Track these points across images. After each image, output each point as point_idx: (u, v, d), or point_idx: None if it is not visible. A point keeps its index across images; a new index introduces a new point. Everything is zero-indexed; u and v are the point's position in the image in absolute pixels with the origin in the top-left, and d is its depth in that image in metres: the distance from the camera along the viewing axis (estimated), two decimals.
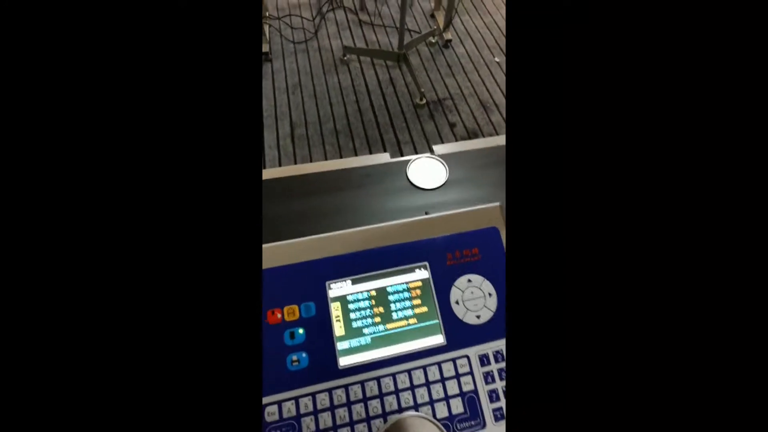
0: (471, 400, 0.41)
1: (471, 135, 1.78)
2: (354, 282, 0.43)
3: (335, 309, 0.42)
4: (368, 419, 0.39)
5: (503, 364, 0.42)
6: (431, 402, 0.40)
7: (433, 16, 2.35)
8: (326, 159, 1.72)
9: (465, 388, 0.41)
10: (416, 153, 1.74)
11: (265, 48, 2.07)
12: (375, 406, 0.40)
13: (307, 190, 0.71)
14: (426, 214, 0.62)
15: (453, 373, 0.42)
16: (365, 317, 0.42)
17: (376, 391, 0.40)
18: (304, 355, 0.40)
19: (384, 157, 0.85)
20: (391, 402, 0.40)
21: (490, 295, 0.44)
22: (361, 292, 0.43)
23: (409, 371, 0.41)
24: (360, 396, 0.40)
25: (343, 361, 0.41)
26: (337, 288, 0.43)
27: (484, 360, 0.42)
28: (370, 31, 2.26)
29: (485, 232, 0.46)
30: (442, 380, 0.41)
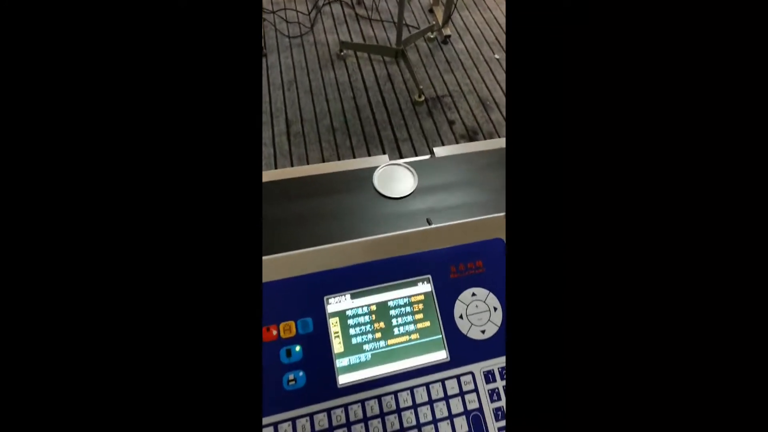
0: (476, 419, 0.39)
1: (470, 133, 1.76)
2: (353, 296, 0.41)
3: (334, 325, 0.40)
4: None
5: None
6: (434, 421, 0.39)
7: (432, 11, 2.32)
8: (323, 157, 1.69)
9: (470, 407, 0.40)
10: (414, 151, 1.72)
11: None
12: (376, 426, 0.38)
13: (305, 192, 0.69)
14: (428, 222, 0.60)
15: (457, 390, 0.40)
16: (365, 333, 0.41)
17: (377, 411, 0.39)
18: (301, 373, 0.38)
19: (383, 159, 0.83)
20: (392, 422, 0.38)
21: (495, 309, 0.43)
22: (361, 306, 0.41)
23: (411, 389, 0.40)
24: (360, 416, 0.38)
25: (343, 379, 0.39)
26: (336, 303, 0.41)
27: (489, 377, 0.41)
28: (368, 25, 2.23)
29: (490, 243, 0.44)
30: (446, 398, 0.40)
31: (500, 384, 0.41)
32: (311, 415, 0.38)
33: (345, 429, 0.38)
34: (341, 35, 2.16)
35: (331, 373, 0.39)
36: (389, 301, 0.42)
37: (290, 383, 0.38)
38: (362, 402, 0.38)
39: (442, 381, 0.40)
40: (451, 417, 0.39)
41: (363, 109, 1.85)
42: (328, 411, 0.38)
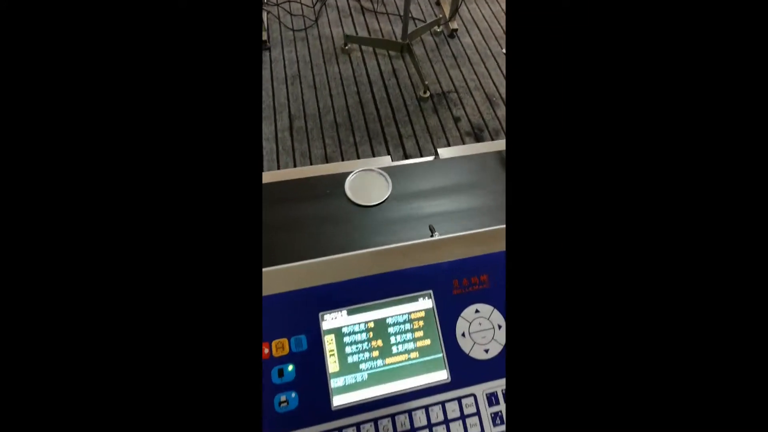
0: None
1: (476, 130, 1.72)
2: (350, 312, 0.39)
3: (329, 342, 0.38)
4: None
5: None
6: None
7: (438, 3, 2.27)
8: (325, 153, 1.67)
9: (471, 431, 0.38)
10: (419, 148, 1.69)
11: (263, 36, 2.00)
12: None
13: (304, 195, 0.67)
14: (431, 230, 0.58)
15: (458, 413, 0.38)
16: (362, 351, 0.39)
17: None
18: (293, 395, 0.36)
19: (386, 160, 0.80)
20: None
21: (499, 327, 0.40)
22: (358, 323, 0.39)
23: (409, 412, 0.37)
24: None
25: (337, 401, 0.37)
26: (332, 319, 0.39)
27: (492, 399, 0.38)
28: (373, 18, 2.18)
29: (495, 257, 0.42)
30: (446, 422, 0.38)
31: (504, 407, 0.38)
32: None
33: None
34: (346, 28, 2.12)
35: (325, 394, 0.37)
36: (388, 317, 0.40)
37: (282, 405, 0.36)
38: (357, 425, 0.36)
39: (443, 403, 0.38)
40: None
41: (367, 105, 1.82)
42: None
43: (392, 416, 0.37)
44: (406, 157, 1.65)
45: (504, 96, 1.84)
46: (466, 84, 1.89)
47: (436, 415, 0.38)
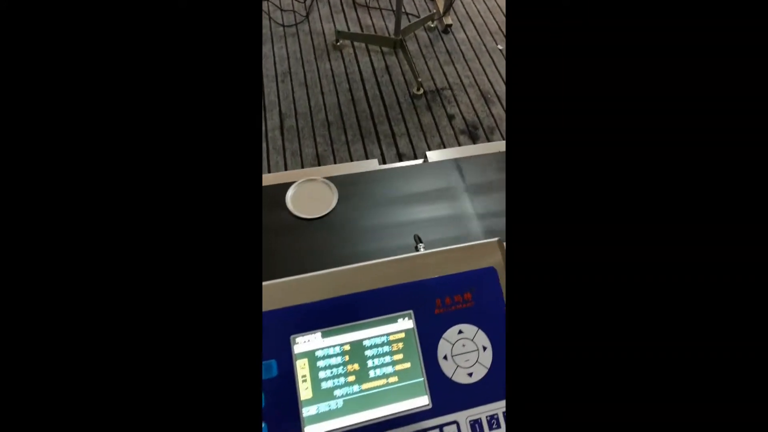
0: None
1: (470, 128, 1.69)
2: (324, 335, 0.37)
3: (301, 367, 0.36)
4: None
5: None
6: None
7: None
8: (317, 152, 1.64)
9: None
10: (412, 146, 1.66)
11: None
12: None
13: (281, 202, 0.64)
14: (415, 240, 0.55)
15: None
16: (337, 376, 0.36)
17: None
18: (262, 426, 0.34)
19: (372, 164, 0.78)
20: None
21: (484, 348, 0.38)
22: (333, 346, 0.37)
23: None
24: None
25: (310, 431, 0.35)
26: (304, 342, 0.36)
27: (476, 427, 0.36)
28: (365, 14, 2.14)
29: (480, 273, 0.40)
30: None
31: None
32: None
33: None
34: (338, 24, 2.08)
35: (296, 423, 0.34)
36: (365, 339, 0.37)
37: None
38: None
39: (424, 431, 0.36)
40: None
41: (359, 103, 1.78)
42: None
43: None
44: (399, 156, 1.62)
45: (498, 93, 1.81)
46: (461, 81, 1.86)
47: None
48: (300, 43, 2.00)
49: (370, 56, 1.95)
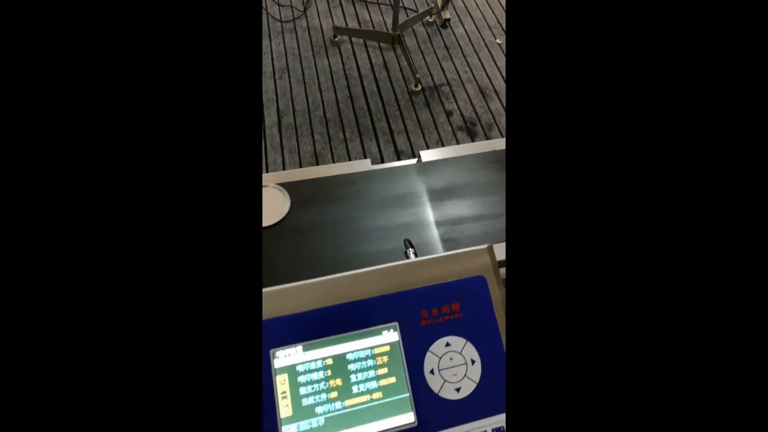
0: None
1: (468, 125, 1.67)
2: (306, 348, 0.35)
3: (281, 383, 0.34)
4: None
5: None
6: None
7: None
8: (315, 150, 1.62)
9: None
10: (410, 143, 1.64)
11: None
12: None
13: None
14: (405, 245, 0.53)
15: None
16: (319, 392, 0.35)
17: None
18: None
19: (365, 164, 0.76)
20: None
21: (473, 362, 0.36)
22: (315, 360, 0.35)
23: None
24: None
25: None
26: (285, 356, 0.35)
27: None
28: (363, 9, 2.11)
29: (469, 282, 0.38)
30: None
31: None
32: None
33: None
34: (336, 19, 2.05)
35: None
36: (348, 353, 0.36)
37: None
38: None
39: None
40: None
41: (357, 99, 1.76)
42: None
43: None
44: (397, 153, 1.60)
45: (497, 88, 1.78)
46: (459, 76, 1.83)
47: None
48: (298, 39, 1.97)
49: (368, 52, 1.93)
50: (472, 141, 1.62)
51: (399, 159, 1.60)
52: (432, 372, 0.36)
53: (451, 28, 2.03)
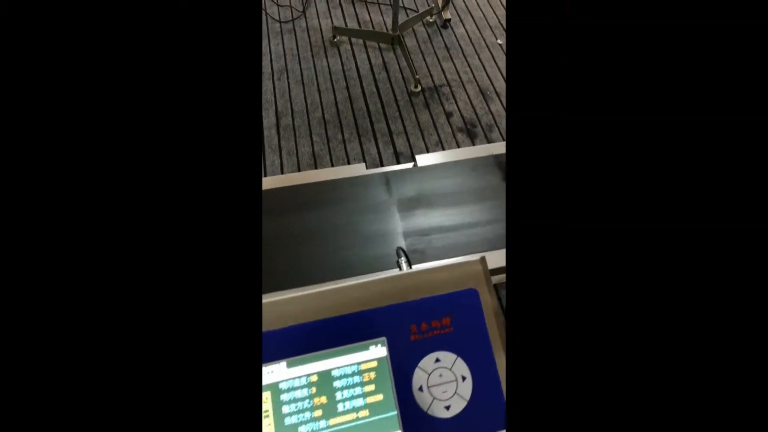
0: None
1: (468, 126, 1.65)
2: (290, 365, 0.34)
3: (264, 401, 0.33)
4: None
5: None
6: None
7: None
8: (313, 151, 1.61)
9: None
10: (410, 145, 1.63)
11: None
12: None
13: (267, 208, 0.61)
14: (397, 254, 0.52)
15: None
16: (302, 411, 0.33)
17: None
18: None
19: (359, 168, 0.75)
20: None
21: (463, 378, 0.35)
22: (299, 377, 0.34)
23: None
24: None
25: None
26: (268, 373, 0.34)
27: None
28: (363, 9, 2.10)
29: (460, 295, 0.37)
30: None
31: None
32: None
33: None
34: (335, 19, 2.04)
35: None
36: (334, 369, 0.34)
37: None
38: None
39: None
40: None
41: (356, 100, 1.75)
42: None
43: None
44: (396, 155, 1.59)
45: (497, 89, 1.77)
46: (459, 77, 1.82)
47: None
48: (297, 40, 1.96)
49: (367, 53, 1.91)
50: (472, 142, 1.61)
51: (398, 160, 1.59)
52: (421, 389, 0.35)
53: (451, 28, 2.01)
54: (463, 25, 2.03)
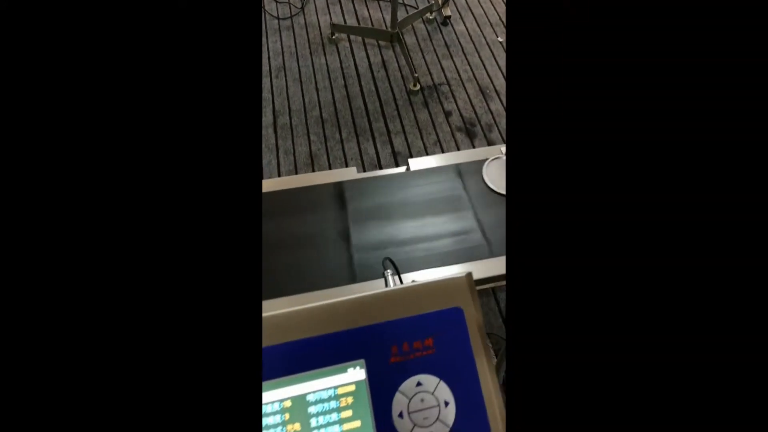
0: None
1: (467, 125, 1.63)
2: (262, 389, 0.32)
3: None
4: None
5: None
6: None
7: None
8: (310, 151, 1.59)
9: None
10: (408, 145, 1.60)
11: None
12: None
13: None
14: (384, 265, 0.50)
15: None
16: None
17: None
18: None
19: (351, 172, 0.73)
20: None
21: (446, 404, 0.33)
22: (271, 402, 0.32)
23: None
24: None
25: None
26: None
27: None
28: (362, 6, 2.07)
29: (444, 314, 0.34)
30: None
31: None
32: None
33: None
34: (334, 16, 2.01)
35: None
36: (309, 393, 0.32)
37: None
38: None
39: None
40: None
41: (354, 99, 1.73)
42: None
43: None
44: (395, 155, 1.57)
45: (497, 88, 1.74)
46: (459, 75, 1.79)
47: None
48: (295, 37, 1.94)
49: (366, 50, 1.89)
50: (471, 142, 1.58)
51: (396, 160, 1.57)
52: (401, 415, 0.33)
53: (451, 25, 1.98)
54: (464, 22, 2.00)
